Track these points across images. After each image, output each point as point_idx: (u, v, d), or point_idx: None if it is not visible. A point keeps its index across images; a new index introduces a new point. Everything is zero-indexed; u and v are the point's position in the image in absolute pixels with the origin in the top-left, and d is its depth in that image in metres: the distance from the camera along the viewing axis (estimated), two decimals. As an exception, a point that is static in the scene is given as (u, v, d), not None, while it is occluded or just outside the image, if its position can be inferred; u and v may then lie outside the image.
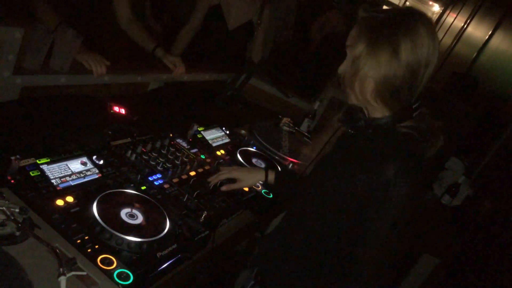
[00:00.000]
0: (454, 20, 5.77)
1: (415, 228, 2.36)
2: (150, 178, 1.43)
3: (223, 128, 2.04)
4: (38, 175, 1.19)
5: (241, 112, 2.52)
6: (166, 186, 1.43)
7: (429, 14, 6.08)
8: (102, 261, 1.04)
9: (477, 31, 4.81)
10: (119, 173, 1.39)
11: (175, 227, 1.25)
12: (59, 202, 1.15)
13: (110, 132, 1.54)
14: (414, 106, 1.09)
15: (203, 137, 1.88)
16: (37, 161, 1.22)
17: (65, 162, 1.28)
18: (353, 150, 1.17)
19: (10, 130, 1.35)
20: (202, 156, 1.73)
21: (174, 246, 1.19)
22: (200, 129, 1.89)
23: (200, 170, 1.62)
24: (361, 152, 1.14)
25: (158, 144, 1.60)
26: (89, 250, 1.05)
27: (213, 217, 1.37)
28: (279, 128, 2.40)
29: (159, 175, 1.46)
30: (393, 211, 1.05)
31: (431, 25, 1.07)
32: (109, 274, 1.01)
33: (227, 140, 1.99)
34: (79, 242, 1.06)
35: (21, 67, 1.48)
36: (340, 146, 1.23)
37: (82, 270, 0.98)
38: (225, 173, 1.53)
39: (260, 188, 1.68)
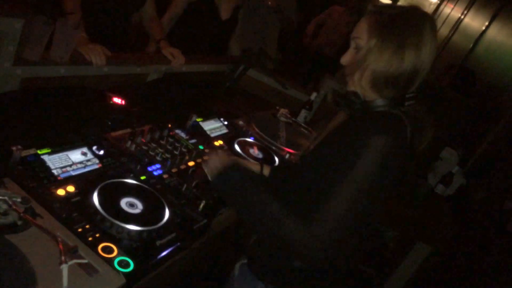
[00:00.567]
0: (451, 11, 5.76)
1: (406, 216, 2.40)
2: (149, 169, 1.45)
3: (222, 119, 2.06)
4: (39, 165, 1.21)
5: (239, 103, 2.53)
6: (165, 176, 1.46)
7: (427, 5, 6.08)
8: (103, 249, 1.06)
9: (474, 22, 4.82)
10: (119, 163, 1.41)
11: (174, 216, 1.28)
12: (60, 192, 1.17)
13: (109, 123, 1.56)
14: (407, 96, 1.12)
15: (202, 128, 1.90)
16: (38, 151, 1.24)
17: (65, 153, 1.30)
18: (343, 131, 1.19)
19: (11, 120, 1.36)
20: (201, 147, 1.75)
21: (173, 234, 1.22)
22: (198, 120, 1.91)
23: (198, 160, 1.64)
24: (348, 130, 1.15)
25: (157, 135, 1.62)
26: (90, 239, 1.08)
27: (212, 206, 1.40)
28: (276, 119, 2.42)
29: (158, 166, 1.49)
30: (362, 175, 1.02)
31: (435, 25, 1.12)
32: (110, 262, 1.04)
33: (225, 130, 2.01)
34: (80, 230, 1.09)
35: (21, 58, 1.49)
36: (334, 132, 1.24)
37: (84, 258, 1.00)
38: None
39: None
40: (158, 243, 1.17)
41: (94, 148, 1.38)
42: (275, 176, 1.54)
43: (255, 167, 1.56)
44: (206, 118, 1.97)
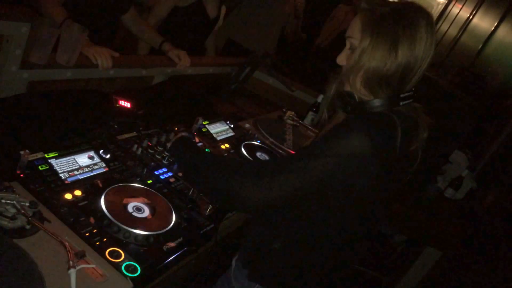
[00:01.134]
0: (460, 11, 5.72)
1: (414, 220, 2.38)
2: (156, 172, 1.45)
3: (228, 122, 2.05)
4: (47, 169, 1.22)
5: (245, 106, 2.53)
6: (171, 180, 1.45)
7: (434, 5, 6.03)
8: (110, 253, 1.06)
9: (483, 22, 4.78)
10: (125, 167, 1.41)
11: (181, 221, 1.27)
12: (68, 196, 1.17)
13: (116, 126, 1.56)
14: (402, 96, 1.11)
15: (208, 131, 1.90)
16: (46, 155, 1.25)
17: (72, 156, 1.30)
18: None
19: (18, 124, 1.36)
20: (207, 150, 1.75)
21: (180, 239, 1.21)
22: (204, 122, 1.91)
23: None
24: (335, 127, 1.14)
25: (163, 138, 1.62)
26: (97, 243, 1.07)
27: (219, 211, 1.39)
28: (283, 122, 2.41)
29: (164, 169, 1.48)
30: (322, 161, 1.03)
31: (431, 20, 1.09)
32: (117, 266, 1.04)
33: (231, 133, 2.00)
34: (88, 235, 1.09)
35: (28, 61, 1.50)
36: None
37: (91, 263, 1.00)
38: None
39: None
40: (165, 247, 1.16)
41: (101, 151, 1.38)
42: None
43: None
44: (212, 121, 1.96)
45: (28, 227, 1.03)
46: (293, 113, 2.46)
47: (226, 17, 2.90)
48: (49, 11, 1.69)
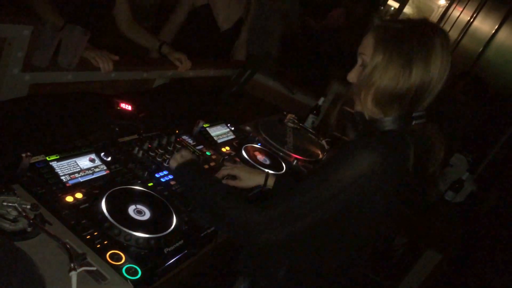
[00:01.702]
0: (460, 14, 5.72)
1: (415, 223, 2.38)
2: (157, 175, 1.45)
3: (228, 125, 2.06)
4: (48, 171, 1.22)
5: (246, 108, 2.53)
6: (172, 182, 1.46)
7: (435, 8, 6.03)
8: (111, 256, 1.06)
9: (484, 25, 4.78)
10: (126, 169, 1.41)
11: (182, 223, 1.28)
12: (69, 199, 1.18)
13: (117, 129, 1.56)
14: (415, 115, 1.07)
15: (209, 134, 1.90)
16: (47, 158, 1.25)
17: (74, 159, 1.30)
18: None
19: (20, 127, 1.37)
20: (208, 153, 1.75)
21: (181, 242, 1.22)
22: (205, 125, 1.91)
23: (205, 166, 1.63)
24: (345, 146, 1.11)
25: (164, 141, 1.62)
26: (98, 246, 1.08)
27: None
28: (283, 124, 2.41)
29: (165, 172, 1.49)
30: (331, 183, 1.00)
31: (447, 39, 1.06)
32: (118, 269, 1.04)
33: (232, 136, 2.01)
34: (89, 237, 1.09)
35: (29, 64, 1.50)
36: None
37: (92, 266, 1.01)
38: (227, 169, 1.55)
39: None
40: (165, 250, 1.17)
41: (102, 154, 1.39)
42: (279, 185, 1.54)
43: (259, 176, 1.55)
44: (212, 123, 1.97)
45: (29, 229, 1.03)
46: (293, 115, 2.46)
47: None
48: (44, 16, 1.69)
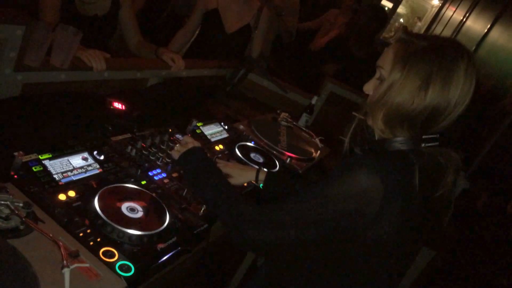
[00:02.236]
0: (453, 13, 5.77)
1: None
2: (150, 173, 1.46)
3: (222, 123, 2.07)
4: (41, 170, 1.22)
5: (239, 107, 2.54)
6: (166, 180, 1.46)
7: (429, 8, 6.07)
8: (104, 253, 1.07)
9: (476, 24, 4.82)
10: (119, 168, 1.41)
11: (175, 221, 1.28)
12: (62, 197, 1.18)
13: (110, 128, 1.57)
14: (424, 137, 1.03)
15: (202, 132, 1.91)
16: (40, 156, 1.25)
17: (66, 158, 1.31)
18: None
19: (13, 126, 1.37)
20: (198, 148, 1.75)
21: (174, 239, 1.22)
22: (199, 124, 1.92)
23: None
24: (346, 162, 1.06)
25: (157, 140, 1.63)
26: (91, 243, 1.08)
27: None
28: (277, 123, 2.42)
29: (158, 170, 1.49)
30: (326, 197, 0.97)
31: (472, 63, 1.00)
32: (111, 266, 1.04)
33: (225, 135, 2.02)
34: (82, 235, 1.09)
35: (22, 64, 1.50)
36: None
37: (85, 262, 1.01)
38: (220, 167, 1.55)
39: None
40: (159, 247, 1.17)
41: (95, 153, 1.39)
42: (268, 183, 1.55)
43: (251, 172, 1.57)
44: (206, 122, 1.98)
45: (22, 227, 1.03)
46: (287, 114, 2.48)
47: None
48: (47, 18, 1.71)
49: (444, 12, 6.38)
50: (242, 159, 1.83)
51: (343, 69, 3.46)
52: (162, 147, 1.62)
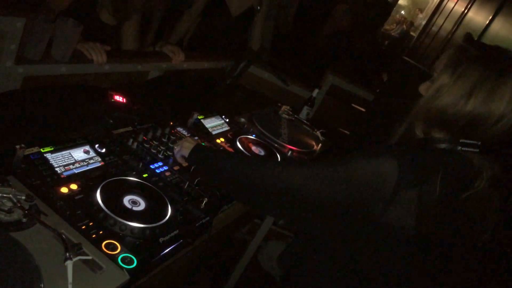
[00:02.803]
0: (455, 5, 5.73)
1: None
2: (151, 166, 1.46)
3: (223, 116, 2.06)
4: (43, 163, 1.22)
5: (240, 100, 2.54)
6: (167, 173, 1.47)
7: (430, 0, 6.03)
8: (106, 246, 1.07)
9: (478, 16, 4.79)
10: (121, 161, 1.42)
11: (177, 214, 1.29)
12: (64, 190, 1.18)
13: (111, 121, 1.57)
14: (461, 141, 1.03)
15: (203, 125, 1.91)
16: (41, 150, 1.25)
17: (68, 151, 1.31)
18: None
19: (14, 119, 1.37)
20: (203, 144, 1.76)
21: (176, 231, 1.23)
22: (200, 117, 1.92)
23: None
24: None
25: (159, 133, 1.63)
26: (93, 236, 1.09)
27: (214, 204, 1.41)
28: (278, 116, 2.42)
29: (160, 163, 1.50)
30: (358, 180, 1.03)
31: None
32: (113, 258, 1.05)
33: (226, 128, 2.02)
34: (84, 228, 1.10)
35: (23, 56, 1.50)
36: None
37: (88, 255, 1.02)
38: None
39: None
40: (161, 240, 1.18)
41: (96, 146, 1.39)
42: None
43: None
44: (207, 115, 1.98)
45: (24, 220, 1.04)
46: (288, 107, 2.47)
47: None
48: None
49: (446, 4, 6.34)
50: (243, 152, 1.83)
51: (347, 61, 3.45)
52: (163, 140, 1.61)
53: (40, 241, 1.02)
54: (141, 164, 1.43)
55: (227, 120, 2.07)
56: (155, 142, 1.58)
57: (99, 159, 1.36)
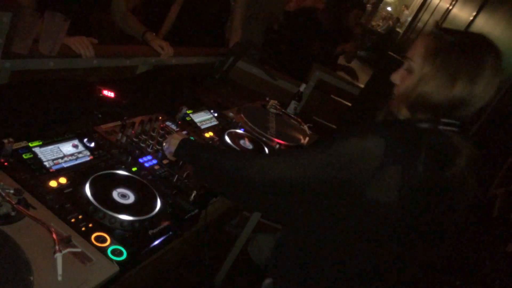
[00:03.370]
0: (440, 1, 5.81)
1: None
2: (140, 160, 1.47)
3: (212, 111, 2.08)
4: (31, 157, 1.23)
5: (229, 95, 2.55)
6: (156, 167, 1.48)
7: (416, -4, 6.09)
8: (96, 238, 1.08)
9: (462, 12, 4.86)
10: (110, 155, 1.42)
11: (166, 206, 1.30)
12: (53, 184, 1.19)
13: (100, 116, 1.57)
14: (443, 120, 1.06)
15: (192, 120, 1.92)
16: (30, 144, 1.25)
17: (57, 145, 1.31)
18: None
19: (1, 113, 1.37)
20: (191, 138, 1.77)
21: (165, 224, 1.24)
22: (188, 112, 1.93)
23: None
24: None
25: (147, 127, 1.64)
26: (83, 229, 1.09)
27: (203, 196, 1.42)
28: (266, 110, 2.44)
29: (149, 157, 1.50)
30: (344, 160, 1.03)
31: (499, 59, 1.04)
32: (103, 251, 1.06)
33: (215, 122, 2.03)
34: (73, 221, 1.10)
35: (9, 51, 1.49)
36: None
37: (77, 247, 1.03)
38: None
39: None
40: (150, 232, 1.19)
41: (85, 140, 1.40)
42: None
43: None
44: (196, 110, 1.99)
45: (13, 213, 1.04)
46: (276, 102, 2.49)
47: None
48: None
49: (431, 0, 6.42)
50: (232, 146, 1.85)
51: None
52: (152, 134, 1.62)
53: (29, 235, 1.02)
54: (130, 158, 1.44)
55: (216, 114, 2.08)
56: (144, 136, 1.58)
57: (88, 153, 1.37)
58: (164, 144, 1.49)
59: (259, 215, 2.37)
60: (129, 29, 2.26)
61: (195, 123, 1.92)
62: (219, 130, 1.96)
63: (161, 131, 1.66)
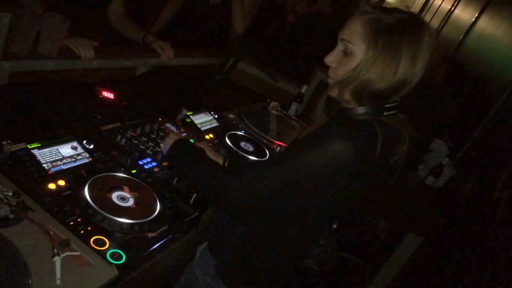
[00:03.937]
0: (442, 2, 5.80)
1: (396, 207, 2.44)
2: (140, 162, 1.46)
3: (212, 112, 2.07)
4: (30, 159, 1.22)
5: (229, 96, 2.54)
6: (156, 169, 1.47)
7: (417, -3, 6.09)
8: (95, 242, 1.07)
9: (464, 13, 4.84)
10: (109, 157, 1.41)
11: (166, 209, 1.29)
12: (51, 186, 1.18)
13: (99, 117, 1.56)
14: (387, 106, 1.08)
15: (192, 121, 1.91)
16: (28, 146, 1.25)
17: (56, 147, 1.30)
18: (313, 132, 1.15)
19: (0, 115, 1.36)
20: (191, 140, 1.76)
21: (165, 227, 1.23)
22: (189, 113, 1.92)
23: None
24: (317, 131, 1.11)
25: (147, 129, 1.63)
26: (82, 232, 1.09)
27: (203, 199, 1.41)
28: (267, 112, 2.43)
29: (149, 159, 1.49)
30: (300, 162, 1.03)
31: (433, 36, 1.06)
32: (102, 254, 1.05)
33: (215, 124, 2.02)
34: (72, 224, 1.10)
35: (9, 52, 1.48)
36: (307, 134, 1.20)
37: (76, 251, 1.02)
38: None
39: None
40: (149, 235, 1.18)
41: (84, 142, 1.39)
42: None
43: (219, 159, 1.55)
44: (196, 111, 1.98)
45: (11, 216, 1.03)
46: (277, 103, 2.48)
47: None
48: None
49: (433, 1, 6.41)
50: (232, 148, 1.83)
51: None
52: (152, 136, 1.61)
53: (27, 237, 1.01)
54: (129, 160, 1.43)
55: (216, 116, 2.07)
56: (144, 138, 1.57)
57: (87, 155, 1.36)
58: (162, 144, 1.47)
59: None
60: (127, 32, 2.24)
61: (195, 124, 1.91)
62: (219, 132, 1.95)
63: (160, 133, 1.65)
